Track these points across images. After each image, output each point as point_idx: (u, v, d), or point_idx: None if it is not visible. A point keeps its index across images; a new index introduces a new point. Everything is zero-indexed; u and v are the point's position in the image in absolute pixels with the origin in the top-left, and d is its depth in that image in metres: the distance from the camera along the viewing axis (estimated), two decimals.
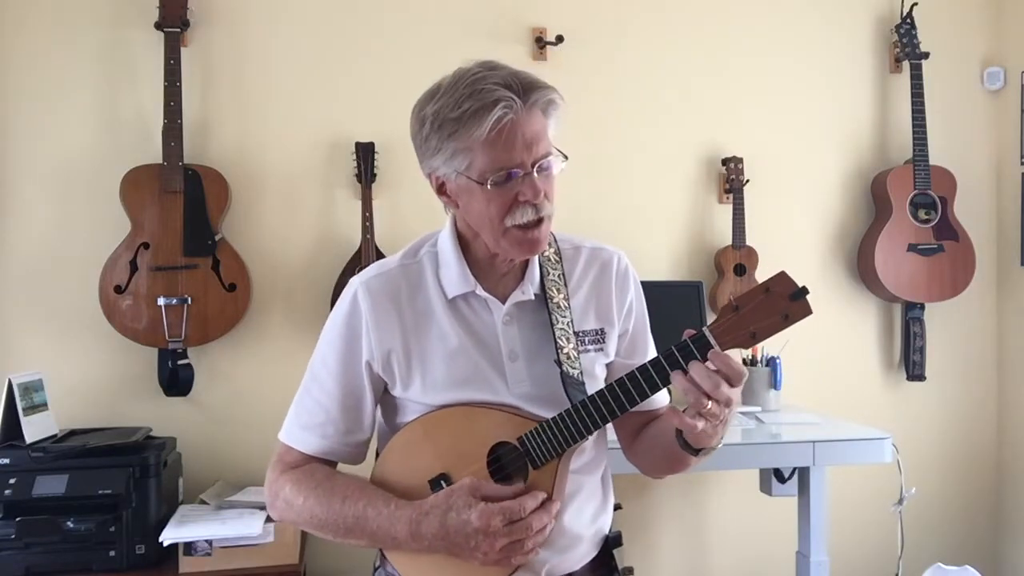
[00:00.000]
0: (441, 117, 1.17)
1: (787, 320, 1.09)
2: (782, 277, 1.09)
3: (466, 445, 1.21)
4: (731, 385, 1.09)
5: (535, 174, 1.17)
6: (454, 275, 1.27)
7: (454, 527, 1.14)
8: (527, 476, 1.19)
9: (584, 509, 1.29)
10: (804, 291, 1.08)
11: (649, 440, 1.33)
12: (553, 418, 1.18)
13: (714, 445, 1.20)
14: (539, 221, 1.19)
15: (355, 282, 1.29)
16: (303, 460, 1.29)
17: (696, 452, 1.20)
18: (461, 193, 1.22)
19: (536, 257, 1.30)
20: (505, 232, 1.19)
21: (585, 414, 1.16)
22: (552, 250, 1.33)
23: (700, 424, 1.10)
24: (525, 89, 1.15)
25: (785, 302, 1.08)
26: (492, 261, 1.28)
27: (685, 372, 1.10)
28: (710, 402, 1.08)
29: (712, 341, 1.10)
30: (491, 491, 1.17)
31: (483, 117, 1.13)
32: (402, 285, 1.28)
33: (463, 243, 1.29)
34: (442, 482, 1.22)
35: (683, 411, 1.13)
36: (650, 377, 1.13)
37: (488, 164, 1.16)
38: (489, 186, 1.16)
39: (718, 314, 1.12)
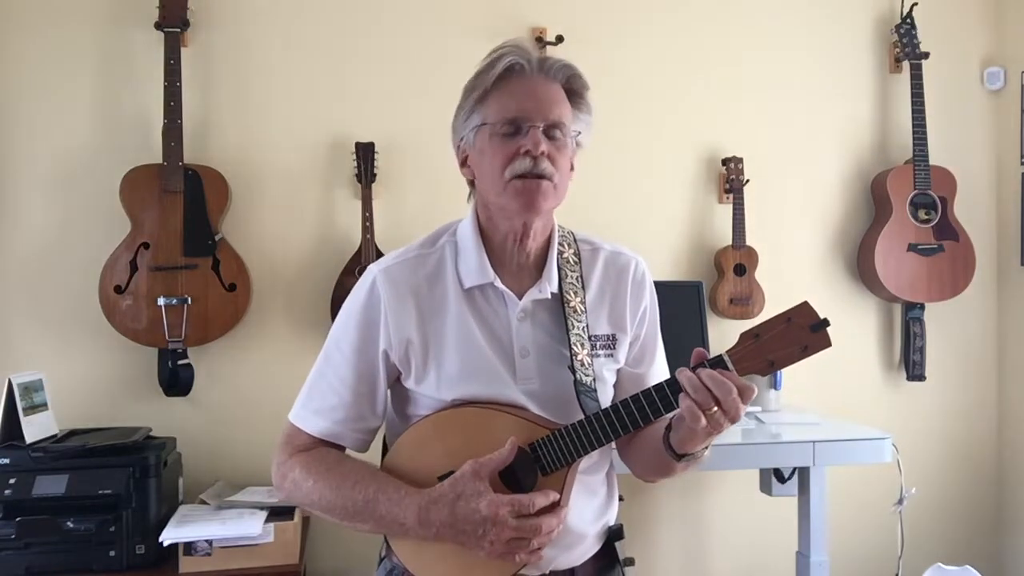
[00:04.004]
0: (470, 81, 1.26)
1: (806, 351, 1.09)
2: (804, 308, 1.10)
3: (477, 446, 1.21)
4: (741, 396, 1.08)
5: (540, 131, 1.21)
6: (472, 264, 1.27)
7: (462, 515, 1.14)
8: (536, 480, 1.20)
9: (588, 507, 1.30)
10: (825, 323, 1.09)
11: (641, 442, 1.32)
12: (566, 427, 1.18)
13: (697, 453, 1.19)
14: (538, 176, 1.21)
15: (373, 270, 1.30)
16: (311, 442, 1.30)
17: (679, 458, 1.19)
18: (476, 158, 1.26)
19: (555, 255, 1.30)
20: (506, 185, 1.21)
21: (599, 427, 1.17)
22: (571, 251, 1.33)
23: (703, 420, 1.08)
24: (541, 60, 1.25)
25: (806, 333, 1.09)
26: (507, 246, 1.28)
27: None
28: (716, 407, 1.08)
29: (730, 366, 1.10)
30: (493, 464, 1.16)
31: (496, 64, 1.22)
32: (421, 274, 1.28)
33: (482, 230, 1.30)
34: None
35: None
36: (665, 396, 1.14)
37: (497, 112, 1.22)
38: (497, 135, 1.21)
39: (738, 339, 1.12)
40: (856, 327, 3.03)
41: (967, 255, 2.93)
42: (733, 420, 1.09)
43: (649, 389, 1.15)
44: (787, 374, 2.69)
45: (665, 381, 1.14)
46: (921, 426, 3.05)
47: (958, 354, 3.10)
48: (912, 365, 2.99)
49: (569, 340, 1.25)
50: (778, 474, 2.62)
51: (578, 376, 1.23)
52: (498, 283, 1.26)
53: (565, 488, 1.19)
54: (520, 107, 1.21)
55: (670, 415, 1.18)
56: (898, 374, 3.05)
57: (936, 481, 3.05)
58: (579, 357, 1.24)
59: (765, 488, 2.71)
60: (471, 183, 1.31)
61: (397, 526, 1.21)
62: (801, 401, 2.83)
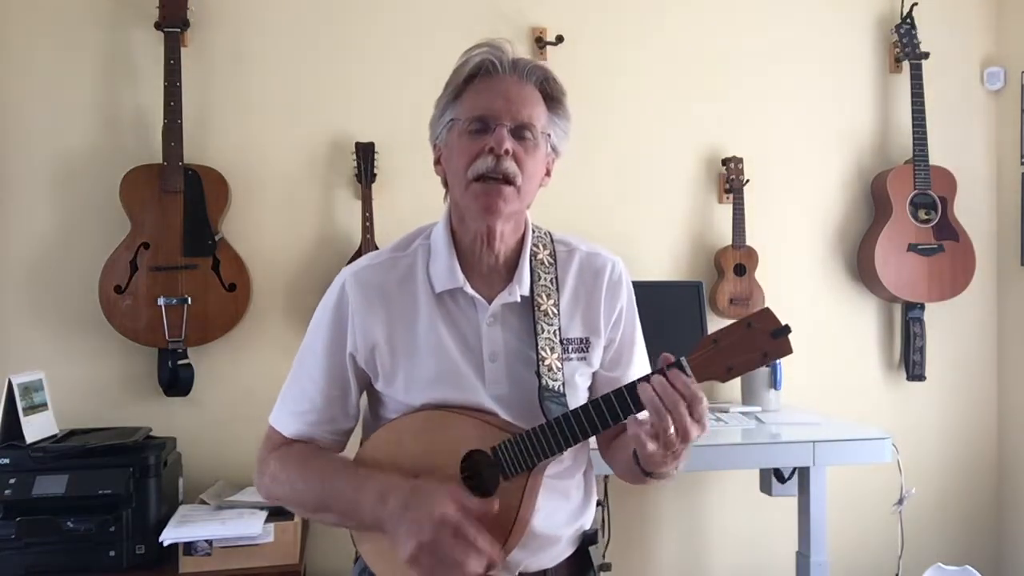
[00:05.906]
0: (446, 82, 1.26)
1: (766, 358, 1.07)
2: (765, 313, 1.08)
3: (441, 450, 1.21)
4: (689, 409, 1.06)
5: (507, 131, 1.19)
6: (443, 268, 1.26)
7: (414, 505, 1.13)
8: (497, 485, 1.18)
9: (561, 511, 1.28)
10: (786, 329, 1.07)
11: (617, 449, 1.32)
12: (527, 432, 1.16)
13: (665, 473, 1.17)
14: (500, 179, 1.19)
15: (345, 272, 1.30)
16: (289, 443, 1.32)
17: (647, 475, 1.18)
18: (446, 155, 1.26)
19: (527, 258, 1.29)
20: (468, 185, 1.21)
21: (559, 431, 1.14)
22: (547, 252, 1.31)
23: (651, 446, 1.07)
24: (514, 60, 1.23)
25: (766, 339, 1.07)
26: (476, 248, 1.27)
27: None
28: (670, 424, 1.06)
29: (688, 371, 1.08)
30: (465, 499, 1.13)
31: (468, 62, 1.23)
32: (391, 277, 1.28)
33: (454, 232, 1.29)
34: None
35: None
36: (624, 401, 1.11)
37: (467, 109, 1.22)
38: (465, 133, 1.21)
39: (698, 345, 1.09)
40: (856, 327, 3.03)
41: (967, 255, 2.93)
42: (684, 439, 1.07)
43: (609, 394, 1.12)
44: (787, 374, 2.69)
45: (625, 386, 1.12)
46: (921, 426, 3.05)
47: (958, 354, 3.10)
48: (912, 365, 2.99)
49: (537, 344, 1.23)
50: (778, 474, 2.62)
51: (543, 381, 1.21)
52: (468, 288, 1.25)
53: (526, 494, 1.17)
54: (488, 105, 1.20)
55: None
56: (898, 374, 3.05)
57: (936, 481, 3.05)
58: (547, 362, 1.23)
59: (765, 488, 2.71)
60: (445, 183, 1.30)
61: (354, 506, 1.20)
62: (801, 401, 2.83)
